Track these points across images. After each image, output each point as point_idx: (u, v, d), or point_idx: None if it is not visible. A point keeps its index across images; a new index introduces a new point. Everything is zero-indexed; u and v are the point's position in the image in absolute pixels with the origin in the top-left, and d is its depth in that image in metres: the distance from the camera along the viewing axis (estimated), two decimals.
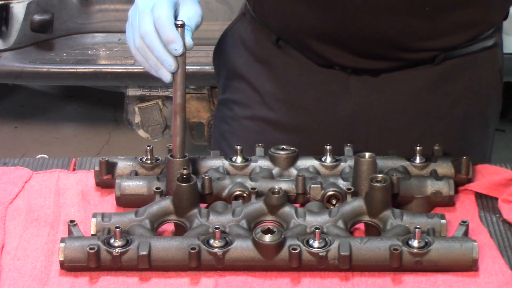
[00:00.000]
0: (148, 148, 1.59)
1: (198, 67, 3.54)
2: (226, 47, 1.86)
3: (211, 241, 1.33)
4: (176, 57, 1.44)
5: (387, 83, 1.73)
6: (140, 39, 1.45)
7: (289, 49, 1.76)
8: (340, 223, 1.40)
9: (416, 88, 1.74)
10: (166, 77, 1.46)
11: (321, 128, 1.77)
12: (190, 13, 1.48)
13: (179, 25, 1.44)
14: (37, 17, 3.71)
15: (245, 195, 1.49)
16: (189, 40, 1.45)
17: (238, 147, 1.59)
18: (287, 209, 1.42)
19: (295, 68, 1.77)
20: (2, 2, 3.67)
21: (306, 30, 1.69)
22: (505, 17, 1.75)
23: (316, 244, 1.33)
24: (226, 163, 1.59)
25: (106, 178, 1.58)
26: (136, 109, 3.83)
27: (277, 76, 1.79)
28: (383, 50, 1.67)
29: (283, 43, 1.76)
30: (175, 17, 1.46)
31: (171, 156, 1.50)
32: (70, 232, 1.37)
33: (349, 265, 1.32)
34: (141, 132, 3.89)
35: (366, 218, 1.43)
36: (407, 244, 1.33)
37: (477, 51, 1.74)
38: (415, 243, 1.33)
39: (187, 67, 1.46)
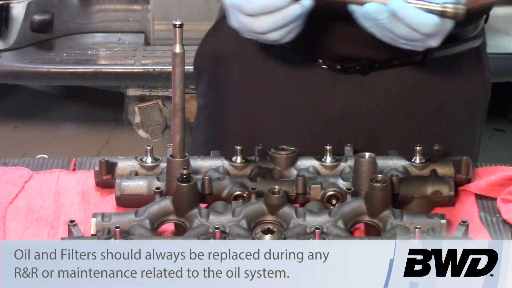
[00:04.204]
0: (148, 148, 1.59)
1: None
2: (209, 51, 1.84)
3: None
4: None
5: (375, 83, 1.72)
6: None
7: (275, 48, 1.73)
8: (340, 223, 1.40)
9: (403, 88, 1.73)
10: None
11: (309, 129, 1.76)
12: None
13: (177, 26, 1.44)
14: (37, 17, 3.71)
15: (245, 195, 1.48)
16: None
17: (238, 147, 1.59)
18: (287, 209, 1.42)
19: (280, 68, 1.75)
20: (2, 2, 3.68)
21: None
22: (486, 19, 1.77)
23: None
24: (226, 163, 1.59)
25: (106, 178, 1.58)
26: (136, 109, 3.83)
27: (263, 77, 1.77)
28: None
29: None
30: None
31: (171, 156, 1.50)
32: (70, 232, 1.37)
33: None
34: (141, 132, 3.90)
35: (366, 218, 1.43)
36: None
37: (464, 51, 1.74)
38: None
39: (186, 67, 1.46)
